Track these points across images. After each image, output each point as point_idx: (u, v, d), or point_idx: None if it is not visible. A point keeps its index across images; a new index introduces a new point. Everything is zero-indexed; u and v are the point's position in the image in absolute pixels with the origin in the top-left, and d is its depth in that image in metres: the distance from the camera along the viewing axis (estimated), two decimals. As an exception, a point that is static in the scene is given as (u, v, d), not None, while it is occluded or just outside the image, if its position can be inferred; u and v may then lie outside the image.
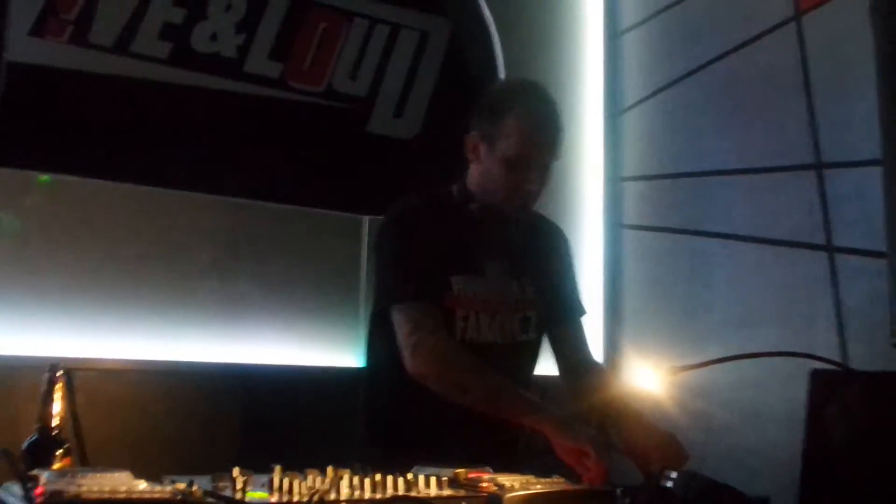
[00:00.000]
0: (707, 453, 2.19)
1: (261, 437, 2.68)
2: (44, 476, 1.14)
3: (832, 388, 1.47)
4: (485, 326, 2.14)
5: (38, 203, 2.61)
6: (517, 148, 2.09)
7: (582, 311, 2.37)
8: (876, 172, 1.69)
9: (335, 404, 2.58)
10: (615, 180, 3.61)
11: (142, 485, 1.15)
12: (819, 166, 2.83)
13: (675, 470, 1.72)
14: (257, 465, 1.32)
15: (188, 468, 1.34)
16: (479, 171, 2.18)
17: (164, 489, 1.12)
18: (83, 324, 2.60)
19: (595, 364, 2.34)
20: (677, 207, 3.34)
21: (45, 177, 2.62)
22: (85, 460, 2.39)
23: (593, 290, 3.43)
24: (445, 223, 2.17)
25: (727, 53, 3.18)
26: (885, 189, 1.65)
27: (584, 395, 2.17)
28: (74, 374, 2.43)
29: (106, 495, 1.04)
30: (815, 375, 1.47)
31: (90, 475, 1.15)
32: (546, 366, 2.34)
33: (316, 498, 1.04)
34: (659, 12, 3.49)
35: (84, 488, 1.06)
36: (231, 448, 2.66)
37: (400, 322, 2.05)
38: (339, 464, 1.37)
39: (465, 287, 2.13)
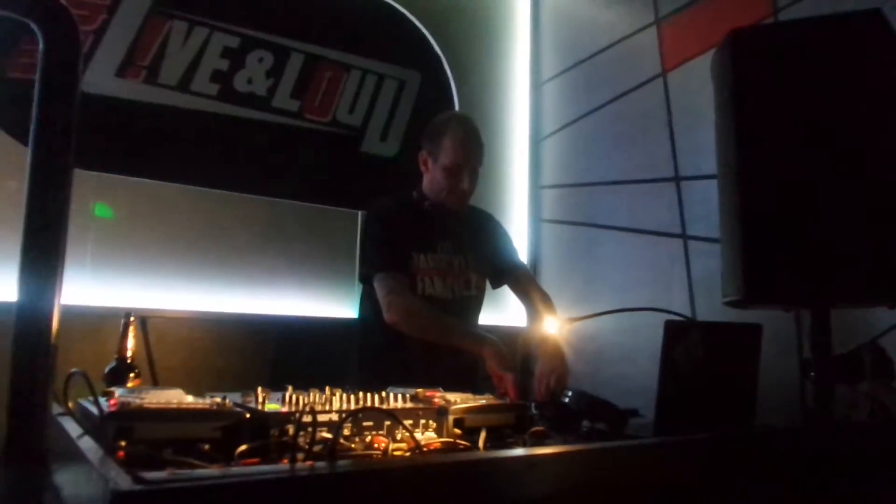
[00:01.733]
0: (595, 380, 2.21)
1: (283, 367, 2.66)
2: (117, 392, 1.13)
3: (680, 332, 1.48)
4: (439, 286, 2.15)
5: (124, 198, 2.57)
6: (451, 158, 2.11)
7: (521, 265, 2.34)
8: (714, 183, 1.71)
9: (337, 344, 2.57)
10: (537, 188, 3.62)
11: (189, 398, 1.14)
12: (677, 179, 2.86)
13: (559, 384, 1.74)
14: (278, 387, 1.31)
15: (228, 388, 1.33)
16: (429, 179, 2.20)
17: (204, 401, 1.11)
18: (155, 284, 2.58)
19: (540, 302, 2.20)
20: (579, 207, 3.35)
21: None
22: (156, 383, 2.38)
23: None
24: (408, 216, 2.18)
25: (615, 98, 3.19)
26: (719, 195, 1.67)
27: (532, 330, 2.18)
28: (149, 320, 2.42)
29: (162, 405, 1.03)
30: (668, 324, 1.48)
31: (152, 391, 1.14)
32: (487, 316, 2.35)
33: (308, 408, 1.04)
34: (568, 69, 3.49)
35: (146, 400, 1.04)
36: (262, 375, 2.64)
37: (379, 287, 2.05)
38: (336, 385, 1.36)
39: (423, 260, 2.15)
